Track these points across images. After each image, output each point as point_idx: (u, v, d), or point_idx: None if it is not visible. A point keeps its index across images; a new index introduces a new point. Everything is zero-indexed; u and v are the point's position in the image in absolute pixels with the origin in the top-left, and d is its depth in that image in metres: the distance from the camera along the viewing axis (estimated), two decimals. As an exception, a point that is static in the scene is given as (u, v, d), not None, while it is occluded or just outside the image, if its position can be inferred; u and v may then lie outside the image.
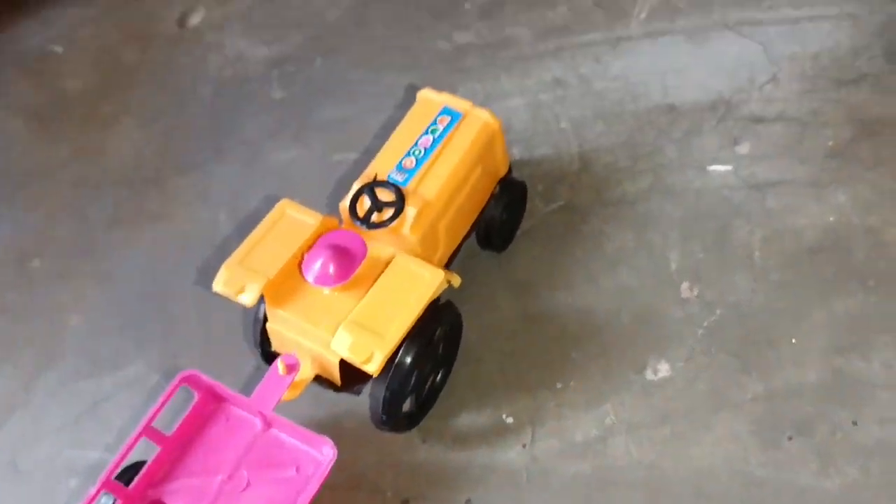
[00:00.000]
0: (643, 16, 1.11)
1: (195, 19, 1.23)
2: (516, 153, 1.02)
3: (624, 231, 0.93)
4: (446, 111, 0.87)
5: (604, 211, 0.96)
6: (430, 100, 0.89)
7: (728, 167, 0.97)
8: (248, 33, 1.20)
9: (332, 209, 0.86)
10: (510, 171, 0.93)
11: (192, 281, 0.97)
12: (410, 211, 0.80)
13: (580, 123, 1.03)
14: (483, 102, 1.06)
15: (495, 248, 0.92)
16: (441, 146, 0.84)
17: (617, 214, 0.95)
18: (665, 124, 1.01)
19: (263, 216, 0.81)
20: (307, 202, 0.82)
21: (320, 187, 1.02)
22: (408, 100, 0.96)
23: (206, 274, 0.91)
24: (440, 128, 0.85)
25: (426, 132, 0.85)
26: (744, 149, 0.98)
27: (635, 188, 0.97)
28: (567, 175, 0.99)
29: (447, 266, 0.87)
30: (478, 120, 0.86)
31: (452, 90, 1.05)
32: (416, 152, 0.84)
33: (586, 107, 1.05)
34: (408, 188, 0.81)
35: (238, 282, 0.77)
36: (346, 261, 0.76)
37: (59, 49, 1.23)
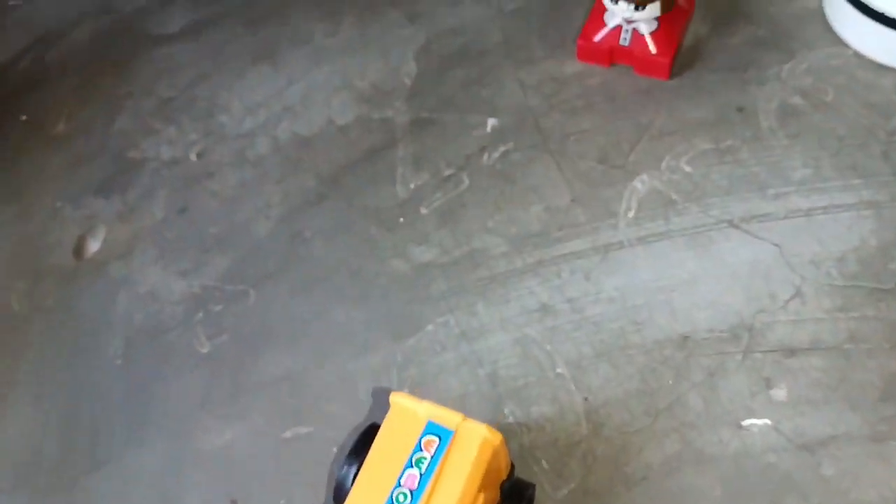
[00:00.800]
0: (631, 214, 0.94)
1: (94, 245, 1.02)
2: (509, 414, 0.84)
3: (657, 522, 0.76)
4: (431, 429, 0.68)
5: (628, 494, 0.78)
6: (406, 409, 0.70)
7: (766, 421, 0.81)
8: (161, 260, 0.99)
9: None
10: (513, 469, 0.75)
11: None
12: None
13: (580, 366, 0.86)
14: (460, 341, 0.88)
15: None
16: (431, 485, 0.65)
17: (645, 496, 0.78)
18: (681, 362, 0.85)
19: None
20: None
21: (271, 480, 0.82)
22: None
23: None
24: (427, 456, 0.67)
25: (409, 463, 0.67)
26: (780, 393, 0.82)
27: (661, 456, 0.80)
28: (576, 443, 0.82)
29: None
30: (474, 438, 0.67)
31: (418, 327, 0.88)
32: (401, 498, 0.65)
33: (583, 342, 0.87)
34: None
35: None
36: None
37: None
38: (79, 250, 1.02)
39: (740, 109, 0.99)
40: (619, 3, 0.97)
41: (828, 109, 0.97)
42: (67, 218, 1.04)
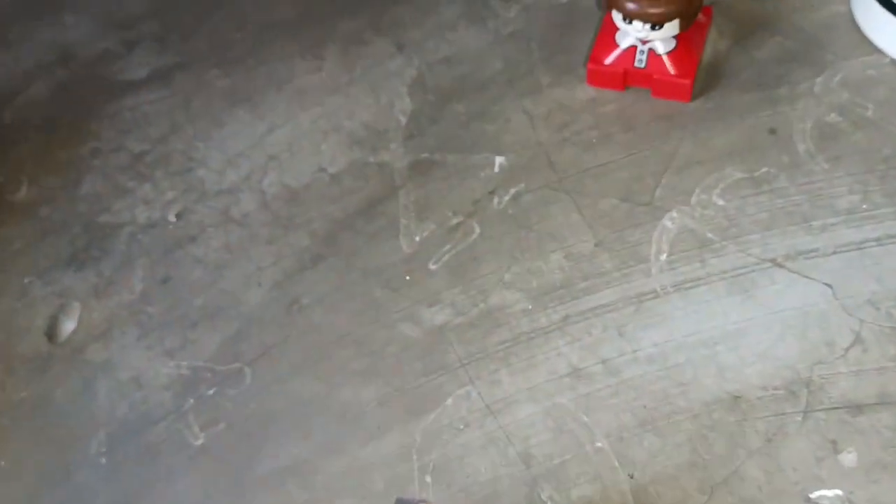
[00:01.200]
0: (663, 257, 0.85)
1: (68, 325, 0.92)
2: (547, 499, 0.75)
3: None
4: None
5: (690, 589, 0.70)
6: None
7: (838, 492, 0.72)
8: (143, 339, 0.89)
9: None
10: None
11: None
12: None
13: (622, 438, 0.77)
14: (485, 416, 0.79)
15: None
16: None
17: (709, 590, 0.69)
18: (734, 427, 0.76)
19: None
20: None
21: None
22: None
23: None
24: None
25: None
26: (850, 458, 0.73)
27: (722, 541, 0.71)
28: (625, 531, 0.73)
29: None
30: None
31: (437, 402, 0.79)
32: None
33: (622, 409, 0.78)
34: None
35: None
36: None
37: None
38: (52, 333, 0.91)
39: (773, 132, 0.90)
40: (634, 22, 0.88)
41: (870, 126, 0.88)
42: (37, 296, 0.94)
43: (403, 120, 0.98)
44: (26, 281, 0.95)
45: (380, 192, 0.94)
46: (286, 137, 1.00)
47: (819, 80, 0.92)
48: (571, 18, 1.02)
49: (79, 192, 1.00)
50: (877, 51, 0.93)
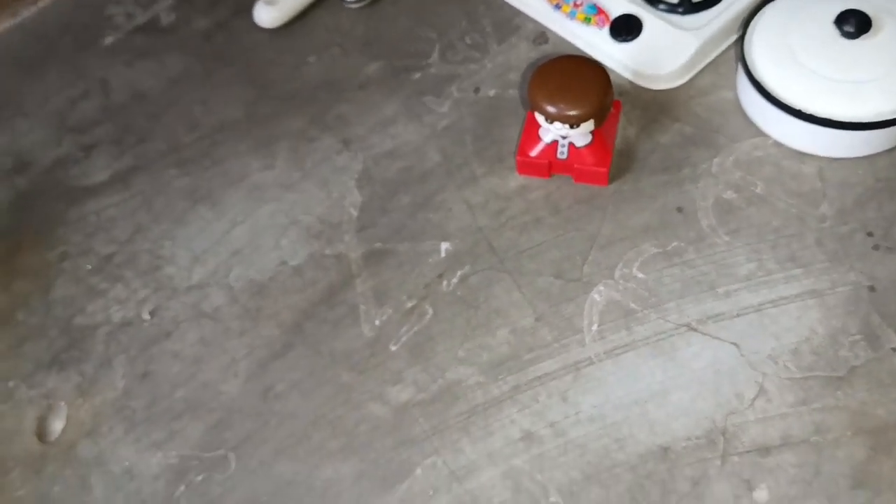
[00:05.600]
0: (595, 328, 0.98)
1: (57, 425, 0.98)
2: (512, 553, 0.86)
3: None
4: None
5: None
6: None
7: (755, 525, 0.86)
8: (131, 433, 0.97)
9: None
10: None
11: None
12: None
13: (572, 492, 0.88)
14: (451, 482, 0.90)
15: None
16: None
17: None
18: (665, 475, 0.89)
19: None
20: None
21: None
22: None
23: None
24: None
25: None
26: (763, 495, 0.87)
27: (663, 577, 0.84)
28: (581, 575, 0.85)
29: None
30: None
31: (408, 473, 0.89)
32: None
33: (571, 466, 0.90)
34: None
35: None
36: None
37: None
38: (42, 433, 0.98)
39: (680, 210, 1.04)
40: (555, 122, 1.01)
41: (760, 202, 1.03)
42: (23, 399, 1.00)
43: (355, 212, 1.09)
44: (10, 385, 1.01)
45: (338, 281, 1.04)
46: (247, 233, 1.09)
47: (716, 160, 1.07)
48: (498, 113, 1.14)
49: (52, 297, 1.07)
50: (761, 133, 1.08)
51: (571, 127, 1.01)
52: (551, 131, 1.04)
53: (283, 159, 1.14)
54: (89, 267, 1.08)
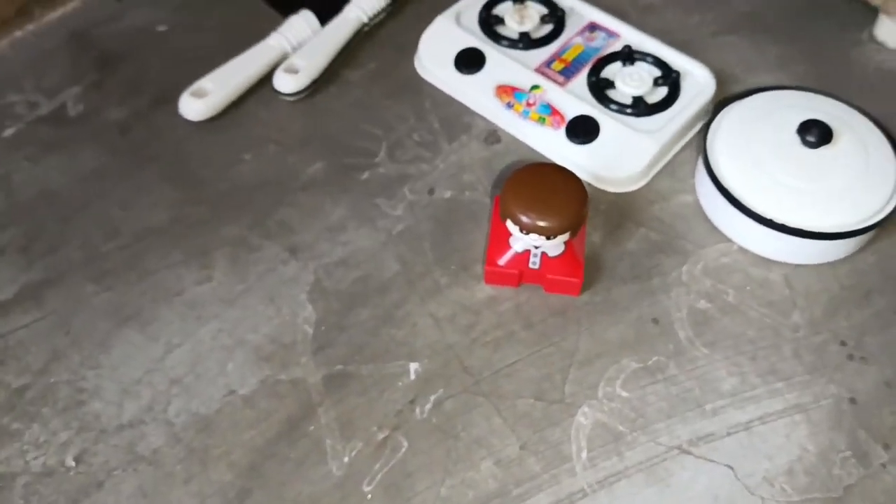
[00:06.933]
0: (584, 455, 0.91)
1: None
2: None
3: None
4: None
5: None
6: None
7: None
8: None
9: None
10: None
11: None
12: None
13: None
14: None
15: None
16: None
17: None
18: None
19: None
20: None
21: None
22: None
23: None
24: None
25: None
26: None
27: None
28: None
29: None
30: None
31: None
32: None
33: None
34: None
35: None
36: None
37: None
38: None
39: (655, 321, 1.00)
40: (531, 234, 0.95)
41: (733, 312, 1.01)
42: (-84, 577, 0.83)
43: (310, 330, 0.98)
44: None
45: (298, 411, 0.93)
46: (187, 358, 0.96)
47: (685, 268, 1.04)
48: (455, 216, 1.08)
49: (-50, 442, 0.90)
50: (725, 238, 1.07)
51: (548, 238, 0.95)
52: (523, 241, 0.98)
53: (222, 271, 1.03)
54: (-6, 404, 0.92)
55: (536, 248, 0.99)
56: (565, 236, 0.96)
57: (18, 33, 1.22)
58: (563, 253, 1.00)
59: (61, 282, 1.01)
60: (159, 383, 0.94)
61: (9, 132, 1.13)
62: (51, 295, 1.00)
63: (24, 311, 0.99)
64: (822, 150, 1.03)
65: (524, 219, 0.95)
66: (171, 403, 0.93)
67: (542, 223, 0.94)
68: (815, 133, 1.02)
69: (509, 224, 0.97)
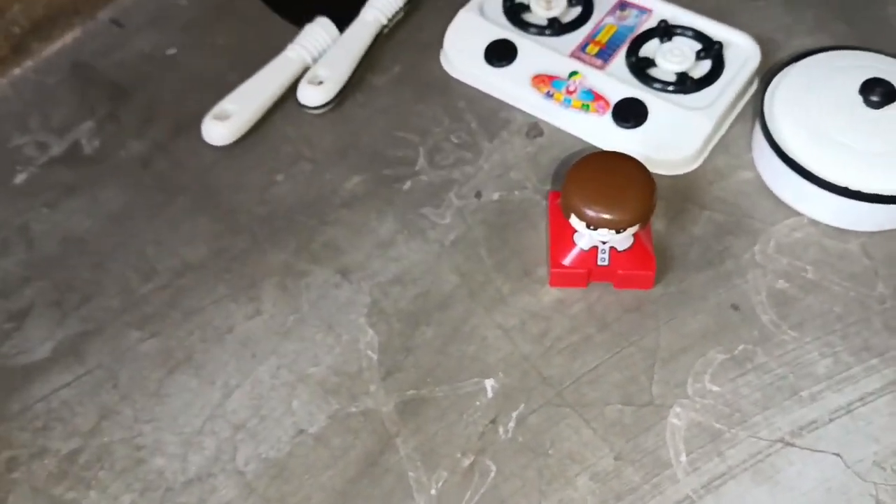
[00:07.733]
0: (683, 458, 0.86)
1: None
2: None
3: None
4: None
5: None
6: None
7: None
8: None
9: None
10: None
11: None
12: None
13: None
14: None
15: None
16: None
17: None
18: None
19: None
20: None
21: None
22: None
23: None
24: None
25: None
26: None
27: None
28: None
29: None
30: None
31: None
32: None
33: None
34: None
35: None
36: None
37: None
38: None
39: (735, 307, 0.95)
40: (599, 229, 0.89)
41: (815, 289, 0.96)
42: None
43: (374, 356, 0.92)
44: None
45: (374, 445, 0.87)
46: (248, 400, 0.90)
47: (757, 248, 0.99)
48: (508, 218, 1.02)
49: (7, 518, 0.83)
50: (794, 213, 1.01)
51: (617, 232, 0.90)
52: (589, 237, 0.92)
53: (272, 302, 0.96)
54: (49, 472, 0.85)
55: (604, 243, 0.93)
56: (635, 228, 0.91)
57: (17, 71, 1.15)
58: (633, 245, 0.94)
59: (101, 332, 0.94)
60: (222, 430, 0.88)
61: (21, 178, 1.06)
62: (92, 348, 0.93)
63: (64, 369, 0.92)
64: (887, 109, 0.98)
65: (591, 213, 0.89)
66: (239, 451, 0.87)
67: (610, 216, 0.89)
68: (880, 92, 0.97)
69: (573, 220, 0.91)
